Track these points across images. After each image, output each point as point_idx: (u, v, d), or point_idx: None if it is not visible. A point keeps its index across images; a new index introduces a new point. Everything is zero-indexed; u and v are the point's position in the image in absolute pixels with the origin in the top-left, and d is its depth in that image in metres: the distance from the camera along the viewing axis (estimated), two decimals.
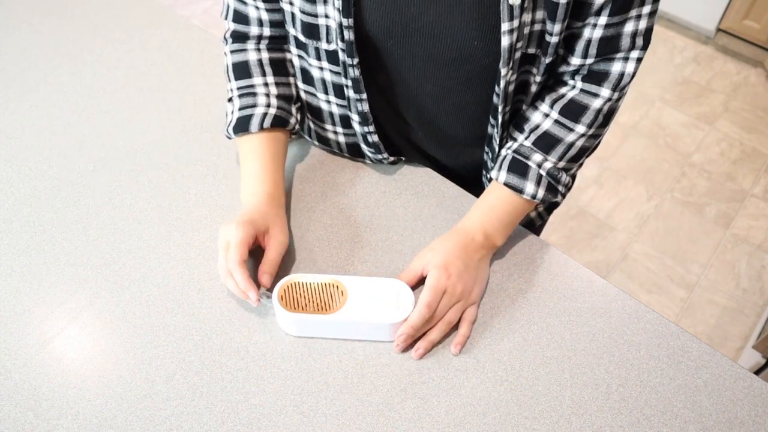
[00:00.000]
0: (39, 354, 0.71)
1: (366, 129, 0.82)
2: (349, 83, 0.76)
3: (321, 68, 0.79)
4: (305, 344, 0.72)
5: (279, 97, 0.81)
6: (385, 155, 0.86)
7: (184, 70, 1.05)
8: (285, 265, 0.78)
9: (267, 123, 0.78)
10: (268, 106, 0.79)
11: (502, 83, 0.71)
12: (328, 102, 0.83)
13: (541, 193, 0.75)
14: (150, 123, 0.96)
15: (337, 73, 0.78)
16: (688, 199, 2.17)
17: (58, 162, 0.90)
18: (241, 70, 0.81)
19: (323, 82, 0.80)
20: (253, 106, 0.79)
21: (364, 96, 0.77)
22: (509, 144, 0.78)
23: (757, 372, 1.58)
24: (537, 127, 0.76)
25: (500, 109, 0.75)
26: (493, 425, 0.66)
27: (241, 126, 0.78)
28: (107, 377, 0.69)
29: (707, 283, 1.95)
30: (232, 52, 0.82)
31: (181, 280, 0.77)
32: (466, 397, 0.68)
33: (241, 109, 0.79)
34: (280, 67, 0.82)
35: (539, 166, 0.75)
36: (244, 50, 0.81)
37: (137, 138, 0.94)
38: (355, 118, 0.81)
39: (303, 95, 0.85)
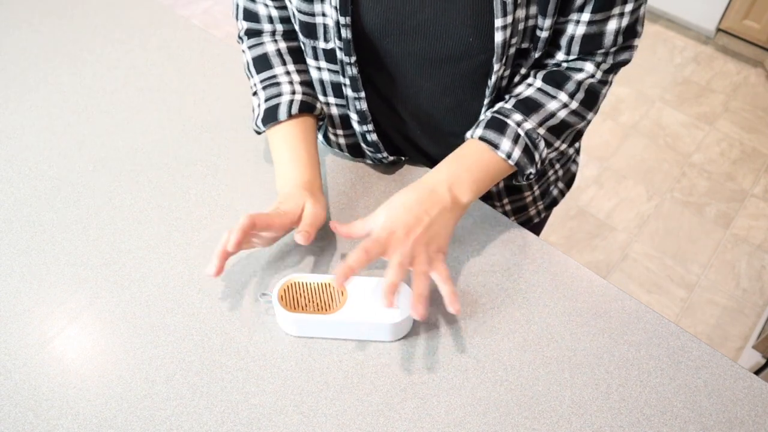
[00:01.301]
0: (39, 354, 0.71)
1: (365, 128, 0.82)
2: (347, 82, 0.76)
3: (319, 68, 0.79)
4: (305, 344, 0.72)
5: (302, 83, 0.80)
6: (385, 154, 0.86)
7: (184, 70, 1.05)
8: (285, 265, 0.78)
9: (295, 109, 0.77)
10: (293, 93, 0.79)
11: (494, 78, 0.71)
12: (327, 104, 0.83)
13: (517, 153, 0.71)
14: (150, 123, 0.96)
15: (335, 72, 0.78)
16: (688, 199, 2.18)
17: (58, 162, 0.90)
18: (262, 63, 0.81)
19: (321, 82, 0.81)
20: (279, 95, 0.79)
21: (362, 94, 0.78)
22: (489, 109, 0.76)
23: (757, 372, 1.58)
24: (519, 93, 0.75)
25: (487, 102, 0.75)
26: (493, 425, 0.66)
27: (270, 116, 0.78)
28: (107, 377, 0.69)
29: (707, 283, 1.95)
30: (250, 48, 0.82)
31: (181, 280, 0.77)
32: (466, 397, 0.68)
33: (267, 100, 0.79)
34: (300, 55, 0.82)
35: (518, 125, 0.72)
36: (262, 43, 0.82)
37: (137, 138, 0.94)
38: (354, 117, 0.81)
39: None
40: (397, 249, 0.66)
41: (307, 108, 0.79)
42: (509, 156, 0.71)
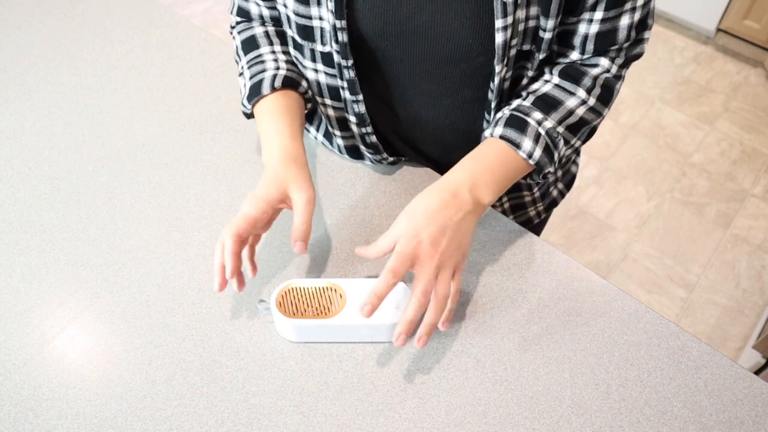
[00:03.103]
0: (39, 354, 0.71)
1: (364, 130, 0.82)
2: (345, 85, 0.76)
3: (316, 70, 0.79)
4: (305, 344, 0.72)
5: (288, 62, 0.80)
6: (385, 155, 0.86)
7: (184, 70, 1.05)
8: (284, 266, 0.78)
9: (278, 83, 0.76)
10: (277, 68, 0.78)
11: (497, 80, 0.71)
12: (324, 105, 0.83)
13: (538, 152, 0.70)
14: (150, 123, 0.96)
15: (333, 75, 0.78)
16: (688, 199, 2.18)
17: (58, 162, 0.90)
18: (249, 44, 0.81)
19: (318, 84, 0.80)
20: (263, 71, 0.78)
21: (360, 97, 0.77)
22: (506, 107, 0.75)
23: (757, 372, 1.58)
24: (537, 90, 0.74)
25: (494, 105, 0.75)
26: (493, 425, 0.66)
27: (254, 92, 0.77)
28: (107, 377, 0.69)
29: (707, 283, 1.95)
30: (239, 32, 0.83)
31: (181, 280, 0.77)
32: (466, 397, 0.68)
33: (251, 78, 0.78)
34: (287, 38, 0.82)
35: (539, 123, 0.71)
36: (251, 27, 0.82)
37: (137, 138, 0.94)
38: (352, 119, 0.81)
39: None
40: (424, 265, 0.64)
41: (290, 83, 0.77)
42: (530, 156, 0.70)
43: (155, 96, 1.01)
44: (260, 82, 0.77)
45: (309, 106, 0.83)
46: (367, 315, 0.63)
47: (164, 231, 0.82)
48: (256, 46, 0.80)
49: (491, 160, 0.70)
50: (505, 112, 0.74)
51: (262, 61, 0.79)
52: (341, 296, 0.71)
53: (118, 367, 0.70)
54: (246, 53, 0.81)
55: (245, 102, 0.78)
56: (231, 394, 0.68)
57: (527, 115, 0.71)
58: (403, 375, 0.70)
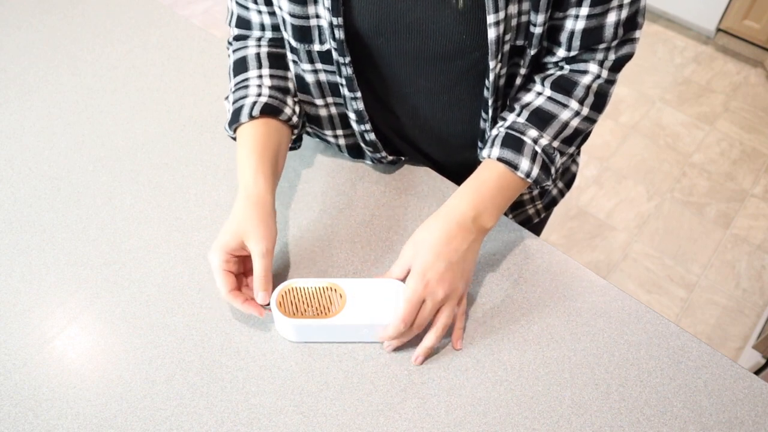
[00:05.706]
0: (39, 354, 0.71)
1: (363, 127, 0.82)
2: (343, 82, 0.76)
3: (315, 71, 0.78)
4: (305, 344, 0.72)
5: (272, 87, 0.79)
6: (384, 154, 0.86)
7: (184, 70, 1.05)
8: (284, 266, 0.78)
9: (256, 111, 0.76)
10: (259, 95, 0.78)
11: (492, 77, 0.71)
12: (326, 105, 0.83)
13: (535, 171, 0.72)
14: (150, 123, 0.96)
15: (332, 72, 0.78)
16: (688, 199, 2.18)
17: (58, 162, 0.90)
18: (239, 66, 0.81)
19: (318, 84, 0.80)
20: (245, 97, 0.78)
21: (358, 94, 0.77)
22: (500, 123, 0.76)
23: (757, 372, 1.58)
24: (529, 103, 0.74)
25: (491, 103, 0.75)
26: (493, 425, 0.66)
27: (234, 119, 0.77)
28: (107, 377, 0.69)
29: (707, 283, 1.95)
30: (234, 51, 0.82)
31: (181, 280, 0.77)
32: (466, 397, 0.68)
33: (234, 102, 0.79)
34: (279, 60, 0.81)
35: (535, 142, 0.73)
36: (245, 47, 0.81)
37: (137, 138, 0.94)
38: (352, 116, 0.81)
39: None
40: (432, 299, 0.68)
41: (270, 110, 0.77)
42: (528, 175, 0.72)
43: (155, 96, 1.01)
44: (240, 108, 0.77)
45: (296, 132, 0.82)
46: (390, 350, 0.71)
47: (164, 231, 0.82)
48: (245, 69, 0.80)
49: (492, 186, 0.73)
50: (501, 130, 0.74)
51: (246, 86, 0.79)
52: (341, 296, 0.71)
53: (118, 367, 0.70)
54: (235, 75, 0.81)
55: (227, 127, 0.78)
56: (231, 394, 0.68)
57: (523, 133, 0.73)
58: (403, 375, 0.70)
